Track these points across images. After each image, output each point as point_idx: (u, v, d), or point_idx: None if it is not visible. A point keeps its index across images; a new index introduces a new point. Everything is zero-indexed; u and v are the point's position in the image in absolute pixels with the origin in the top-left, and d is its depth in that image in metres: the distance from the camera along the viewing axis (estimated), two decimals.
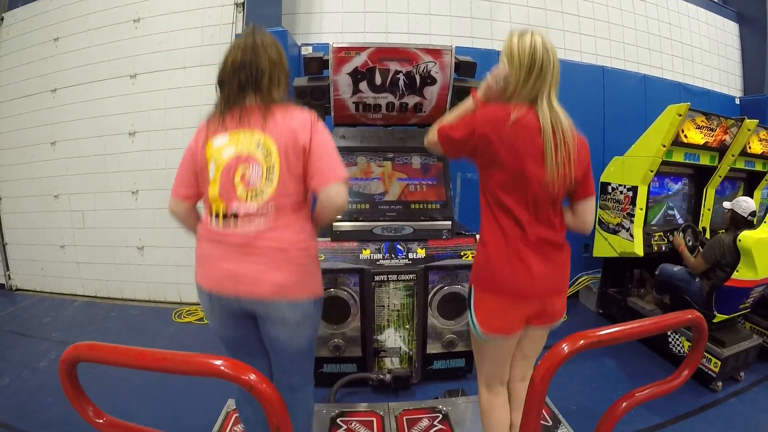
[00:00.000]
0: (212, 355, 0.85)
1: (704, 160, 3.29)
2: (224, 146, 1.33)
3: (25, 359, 2.93)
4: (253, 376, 0.83)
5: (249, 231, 1.30)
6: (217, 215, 1.34)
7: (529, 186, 1.32)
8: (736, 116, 3.20)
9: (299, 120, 1.34)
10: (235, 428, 2.07)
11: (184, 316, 3.66)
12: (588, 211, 1.46)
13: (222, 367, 0.84)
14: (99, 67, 3.82)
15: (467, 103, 1.48)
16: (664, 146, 2.91)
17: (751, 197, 3.08)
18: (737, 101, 4.95)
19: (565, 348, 0.95)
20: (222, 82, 1.38)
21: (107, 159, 3.89)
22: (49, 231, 4.20)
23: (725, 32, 5.02)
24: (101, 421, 1.01)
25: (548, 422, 2.13)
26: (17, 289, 4.41)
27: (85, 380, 1.03)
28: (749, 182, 3.81)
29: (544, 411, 2.20)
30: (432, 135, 1.50)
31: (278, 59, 1.39)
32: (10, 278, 4.41)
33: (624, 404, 1.14)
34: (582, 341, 0.96)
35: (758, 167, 3.65)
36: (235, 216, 1.31)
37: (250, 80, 1.33)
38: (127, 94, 3.78)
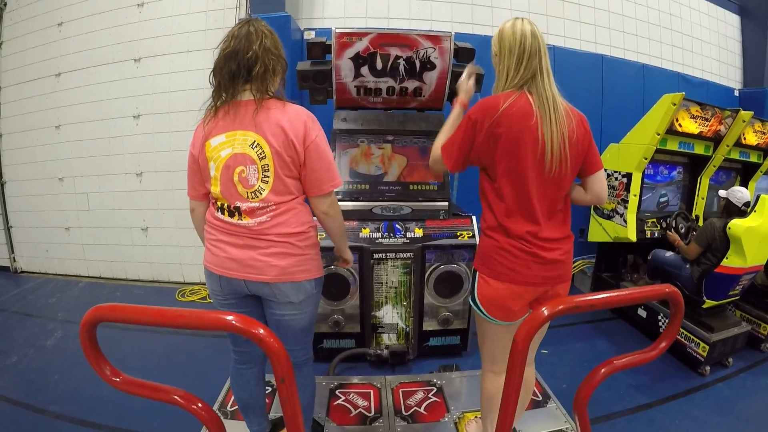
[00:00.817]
0: (225, 312, 0.92)
1: (699, 149, 3.33)
2: (222, 146, 1.35)
3: (32, 338, 2.98)
4: (262, 331, 0.89)
5: (252, 223, 1.37)
6: (222, 209, 1.41)
7: (531, 174, 1.34)
8: (732, 107, 3.23)
9: (293, 121, 1.34)
10: None
11: (187, 296, 3.73)
12: (599, 183, 1.46)
13: (234, 322, 0.90)
14: (103, 51, 3.84)
15: (453, 114, 1.53)
16: (659, 134, 2.95)
17: (746, 188, 3.12)
18: (736, 93, 4.95)
19: (545, 311, 1.01)
20: (215, 72, 1.37)
21: (111, 142, 3.92)
22: (53, 213, 4.24)
23: (726, 24, 4.99)
24: (118, 379, 1.07)
25: (538, 397, 2.22)
26: (22, 272, 4.46)
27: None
28: (744, 173, 3.84)
29: (535, 387, 2.29)
30: (435, 153, 1.51)
31: (273, 48, 1.36)
32: (15, 260, 4.46)
33: (603, 370, 1.16)
34: (561, 306, 1.02)
35: (753, 158, 3.68)
36: (239, 210, 1.38)
37: (243, 69, 1.31)
38: (131, 77, 3.81)
